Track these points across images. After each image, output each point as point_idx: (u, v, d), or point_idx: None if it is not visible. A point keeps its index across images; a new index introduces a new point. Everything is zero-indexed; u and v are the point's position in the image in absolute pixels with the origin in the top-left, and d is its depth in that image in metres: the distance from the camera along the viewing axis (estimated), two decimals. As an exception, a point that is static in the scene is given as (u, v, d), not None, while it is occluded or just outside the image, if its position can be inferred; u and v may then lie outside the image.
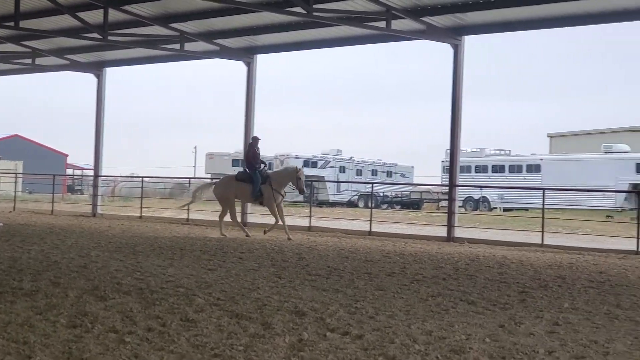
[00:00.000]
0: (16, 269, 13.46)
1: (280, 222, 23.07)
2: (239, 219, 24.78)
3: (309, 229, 26.43)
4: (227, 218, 23.82)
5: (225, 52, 28.64)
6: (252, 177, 23.09)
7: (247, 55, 28.64)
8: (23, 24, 25.90)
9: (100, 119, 33.09)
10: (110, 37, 26.49)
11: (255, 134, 24.46)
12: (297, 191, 23.12)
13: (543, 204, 24.47)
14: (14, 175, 44.66)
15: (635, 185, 48.85)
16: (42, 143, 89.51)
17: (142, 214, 31.75)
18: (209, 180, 28.93)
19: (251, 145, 23.78)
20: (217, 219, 24.27)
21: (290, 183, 23.27)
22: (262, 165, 23.66)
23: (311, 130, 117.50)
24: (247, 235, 22.73)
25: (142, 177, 38.32)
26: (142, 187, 34.73)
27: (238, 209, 25.62)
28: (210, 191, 24.33)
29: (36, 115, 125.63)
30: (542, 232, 22.87)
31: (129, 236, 21.62)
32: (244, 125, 29.10)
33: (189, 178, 42.49)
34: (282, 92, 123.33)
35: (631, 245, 21.58)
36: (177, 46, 27.88)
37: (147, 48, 29.24)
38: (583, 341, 8.69)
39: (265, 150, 59.42)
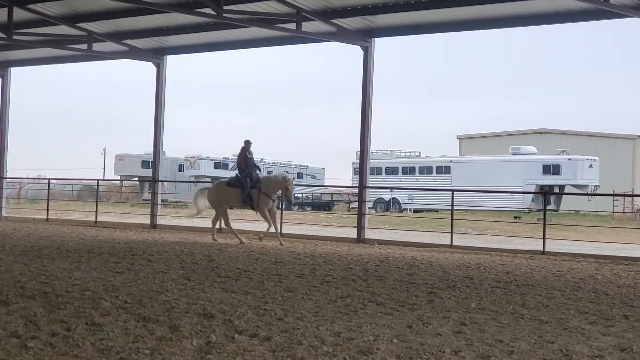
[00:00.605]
0: None
1: (272, 228, 22.61)
2: (231, 225, 23.54)
3: (220, 230, 26.22)
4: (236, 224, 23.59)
5: (134, 53, 28.32)
6: (242, 182, 22.70)
7: (156, 56, 28.36)
8: None
9: (5, 120, 32.39)
10: (15, 37, 25.94)
11: (247, 138, 23.39)
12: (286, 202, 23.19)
13: (452, 205, 24.77)
14: None
15: (542, 187, 49.93)
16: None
17: (49, 217, 31.18)
18: (202, 186, 28.29)
19: (243, 149, 23.15)
20: (125, 220, 23.93)
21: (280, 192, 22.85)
22: (256, 170, 23.16)
23: (223, 132, 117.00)
24: (241, 242, 21.79)
25: (50, 178, 37.66)
26: (49, 189, 34.11)
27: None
28: (206, 197, 23.83)
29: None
30: (451, 233, 23.14)
31: (35, 239, 21.19)
32: (153, 127, 28.82)
33: (98, 180, 41.88)
34: (194, 93, 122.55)
35: (537, 245, 22.00)
36: (85, 46, 27.43)
37: (53, 48, 28.72)
38: (489, 340, 8.80)
39: (176, 152, 59.06)
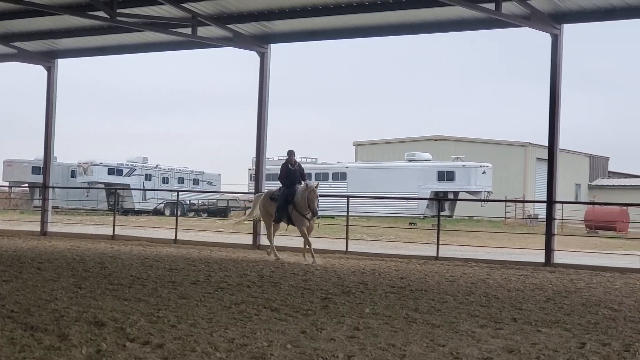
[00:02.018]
0: None
1: (307, 245, 20.32)
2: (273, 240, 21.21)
3: (113, 237, 25.88)
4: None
5: (24, 56, 27.73)
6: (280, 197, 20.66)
7: (47, 59, 27.79)
8: None
9: None
10: None
11: (291, 149, 20.90)
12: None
13: (348, 212, 24.92)
14: None
15: (436, 193, 50.65)
16: None
17: None
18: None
19: (286, 161, 21.08)
20: (14, 227, 23.31)
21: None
22: (300, 184, 20.69)
23: (117, 138, 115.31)
24: (277, 258, 20.05)
25: None
26: None
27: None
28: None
29: None
30: (347, 239, 23.29)
31: None
32: (44, 132, 28.23)
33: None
34: (87, 98, 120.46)
35: (431, 251, 22.30)
36: (-29, 47, 26.76)
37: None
38: (382, 345, 8.86)
39: (69, 158, 58.04)
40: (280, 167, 21.17)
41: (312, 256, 19.76)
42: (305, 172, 21.30)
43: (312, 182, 20.59)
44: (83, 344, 8.35)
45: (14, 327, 9.18)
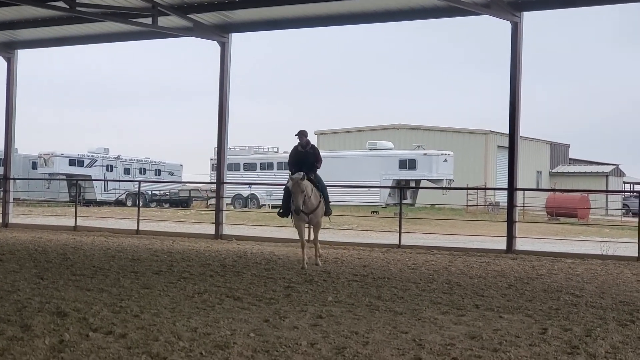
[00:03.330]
0: None
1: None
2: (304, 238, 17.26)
3: (75, 228, 25.74)
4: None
5: (-17, 47, 27.44)
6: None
7: (6, 50, 27.51)
8: None
9: None
10: None
11: (302, 129, 17.46)
12: None
13: (310, 200, 24.88)
14: None
15: (398, 181, 50.83)
16: None
17: None
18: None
19: (295, 146, 17.54)
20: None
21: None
22: (313, 172, 17.13)
23: (78, 128, 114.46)
24: (303, 265, 16.20)
25: None
26: None
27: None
28: None
29: None
30: (309, 228, 23.28)
31: None
32: (4, 123, 28.00)
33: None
34: (48, 89, 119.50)
35: (394, 239, 22.40)
36: None
37: None
38: (345, 332, 8.94)
39: (30, 149, 57.49)
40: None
41: (316, 256, 16.97)
42: (319, 153, 17.39)
43: (297, 174, 16.28)
44: (46, 335, 8.35)
45: (-25, 319, 9.16)
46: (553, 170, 72.13)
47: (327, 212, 17.61)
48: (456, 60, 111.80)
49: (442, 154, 52.45)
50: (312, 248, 17.33)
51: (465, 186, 48.07)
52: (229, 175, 25.72)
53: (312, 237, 17.72)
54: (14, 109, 27.92)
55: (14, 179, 31.05)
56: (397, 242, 21.69)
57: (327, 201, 17.45)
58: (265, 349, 8.02)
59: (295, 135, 17.36)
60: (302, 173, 16.28)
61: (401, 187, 43.01)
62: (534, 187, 63.20)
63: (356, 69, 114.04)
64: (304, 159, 17.13)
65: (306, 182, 16.47)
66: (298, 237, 17.29)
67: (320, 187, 17.22)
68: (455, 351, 8.14)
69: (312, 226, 17.53)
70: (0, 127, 28.23)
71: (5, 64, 27.75)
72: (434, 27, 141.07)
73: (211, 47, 24.42)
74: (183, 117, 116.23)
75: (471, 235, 26.29)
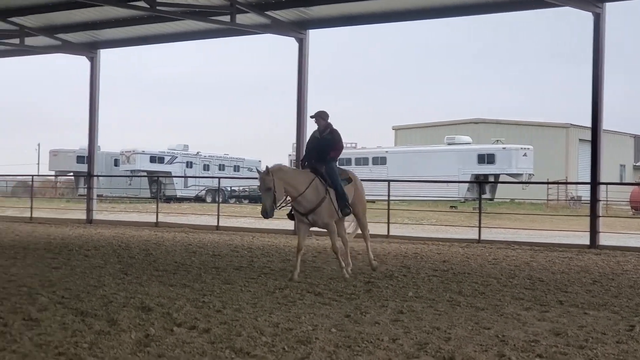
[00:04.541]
0: None
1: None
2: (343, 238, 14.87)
3: (156, 224, 26.12)
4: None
5: (67, 47, 27.99)
6: None
7: (90, 50, 28.04)
8: None
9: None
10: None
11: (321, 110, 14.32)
12: None
13: (389, 196, 24.93)
14: None
15: (477, 176, 50.45)
16: None
17: (-17, 214, 30.72)
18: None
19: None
20: (60, 216, 23.53)
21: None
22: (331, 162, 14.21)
23: (158, 126, 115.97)
24: (342, 265, 13.85)
25: (-18, 175, 37.01)
26: (-19, 186, 33.63)
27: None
28: None
29: None
30: (388, 223, 23.31)
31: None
32: (88, 121, 28.52)
33: (32, 176, 41.35)
34: (129, 87, 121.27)
35: (473, 234, 22.25)
36: (17, 41, 27.07)
37: (-15, 42, 28.28)
38: (426, 328, 8.90)
39: (112, 146, 58.51)
40: None
41: (370, 259, 14.83)
42: (340, 140, 14.23)
43: (273, 166, 13.57)
44: (132, 329, 8.50)
45: (65, 313, 9.37)
46: (637, 164, 70.74)
47: (344, 212, 14.20)
48: (534, 53, 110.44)
49: (521, 148, 51.89)
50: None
51: (546, 180, 47.46)
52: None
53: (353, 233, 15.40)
54: (97, 107, 28.43)
55: (97, 176, 31.64)
56: (477, 237, 21.53)
57: (341, 199, 13.98)
58: (347, 344, 8.04)
59: (312, 117, 14.39)
60: (267, 166, 13.45)
61: (480, 182, 42.69)
62: (618, 181, 62.07)
63: (433, 63, 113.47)
64: (318, 147, 14.14)
65: (292, 175, 13.86)
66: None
67: (332, 182, 13.91)
68: (540, 348, 8.04)
69: (302, 231, 14.04)
70: (84, 125, 28.74)
71: (88, 63, 28.27)
72: (512, 20, 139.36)
73: (289, 44, 24.44)
74: (262, 113, 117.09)
75: (552, 230, 25.93)
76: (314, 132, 14.41)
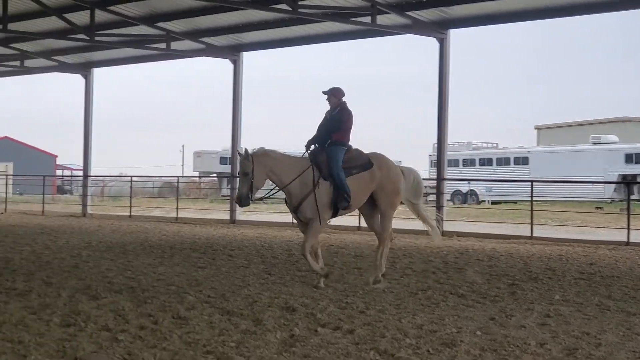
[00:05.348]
0: (9, 270, 13.47)
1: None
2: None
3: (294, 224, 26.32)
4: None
5: (212, 51, 28.60)
6: None
7: (233, 53, 28.60)
8: (11, 26, 25.85)
9: (89, 120, 33.02)
10: (97, 38, 26.46)
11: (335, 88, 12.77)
12: None
13: (532, 196, 24.52)
14: (4, 176, 44.39)
15: (624, 176, 48.99)
16: (31, 144, 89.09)
17: (132, 213, 31.69)
18: None
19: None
20: (204, 216, 23.93)
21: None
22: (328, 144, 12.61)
23: (298, 127, 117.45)
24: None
25: (131, 176, 38.21)
26: (131, 187, 34.68)
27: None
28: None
29: (25, 117, 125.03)
30: (532, 224, 22.92)
31: (119, 235, 21.59)
32: (231, 123, 29.06)
33: (177, 177, 42.43)
34: (269, 89, 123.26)
35: (621, 236, 21.62)
36: (163, 45, 27.86)
37: (133, 48, 29.20)
38: (575, 333, 8.72)
39: (254, 147, 59.49)
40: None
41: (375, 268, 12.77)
42: (348, 119, 12.58)
43: (258, 149, 12.37)
44: (277, 329, 8.62)
45: (211, 312, 9.58)
46: None
47: (343, 206, 12.47)
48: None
49: (673, 147, 50.08)
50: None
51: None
52: (448, 171, 25.62)
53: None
54: (239, 108, 28.95)
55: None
56: (626, 240, 20.89)
57: (340, 191, 12.28)
58: (493, 347, 7.95)
59: (324, 93, 12.82)
60: (246, 149, 12.24)
61: (628, 182, 41.48)
62: None
63: (577, 61, 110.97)
64: (324, 129, 12.62)
65: (277, 159, 12.38)
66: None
67: (329, 171, 12.30)
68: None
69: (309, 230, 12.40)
70: (227, 127, 29.28)
71: (231, 66, 28.82)
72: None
73: (429, 42, 24.34)
74: (401, 113, 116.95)
75: None
76: (326, 112, 12.88)
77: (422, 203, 13.53)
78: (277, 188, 12.73)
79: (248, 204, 12.19)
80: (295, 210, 12.45)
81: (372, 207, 13.00)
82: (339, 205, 12.36)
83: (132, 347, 7.75)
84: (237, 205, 14.08)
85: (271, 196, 13.24)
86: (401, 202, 13.38)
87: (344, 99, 12.79)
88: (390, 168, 12.89)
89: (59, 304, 9.98)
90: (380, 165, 12.73)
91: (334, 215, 12.69)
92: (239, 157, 12.14)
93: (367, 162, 12.61)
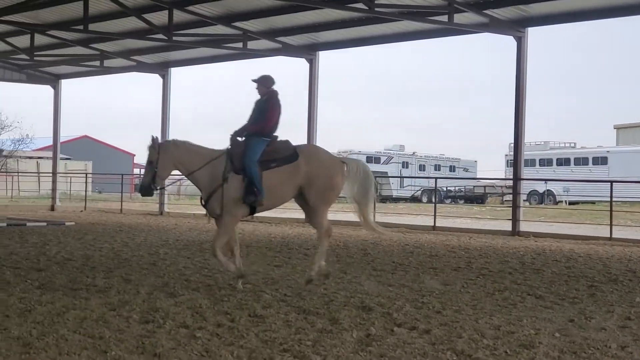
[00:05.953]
0: (89, 267, 13.73)
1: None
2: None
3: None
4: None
5: (288, 50, 28.71)
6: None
7: (309, 52, 28.67)
8: (92, 27, 26.26)
9: (166, 119, 33.39)
10: (175, 38, 26.76)
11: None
12: None
13: (611, 197, 24.14)
14: (84, 175, 45.17)
15: None
16: (110, 143, 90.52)
17: (208, 212, 31.90)
18: None
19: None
20: (279, 215, 23.88)
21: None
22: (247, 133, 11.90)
23: (374, 126, 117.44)
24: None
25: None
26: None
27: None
28: None
29: (104, 116, 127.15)
30: (611, 225, 22.55)
31: (196, 234, 21.85)
32: (307, 122, 29.14)
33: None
34: (345, 88, 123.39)
35: None
36: (240, 45, 28.07)
37: (210, 47, 29.46)
38: (657, 336, 8.56)
39: (330, 147, 59.54)
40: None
41: (313, 263, 12.14)
42: (273, 109, 11.87)
43: (169, 140, 12.59)
44: (353, 328, 8.63)
45: (288, 310, 9.63)
46: None
47: (250, 201, 11.59)
48: None
49: None
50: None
51: None
52: (524, 171, 25.34)
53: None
54: (315, 108, 28.98)
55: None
56: None
57: (252, 186, 11.51)
58: (572, 350, 7.84)
59: (253, 81, 12.10)
60: (152, 137, 11.79)
61: None
62: None
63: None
64: (250, 117, 12.00)
65: (182, 149, 11.75)
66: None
67: (242, 164, 11.56)
68: None
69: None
70: (302, 126, 29.37)
71: (307, 65, 28.87)
72: None
73: (506, 41, 24.10)
74: (478, 113, 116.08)
75: None
76: (254, 102, 12.11)
77: (370, 203, 12.45)
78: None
79: (151, 194, 11.82)
80: (204, 205, 11.82)
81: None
82: (246, 200, 11.50)
83: (210, 345, 7.83)
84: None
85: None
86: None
87: (274, 87, 12.03)
88: (321, 161, 11.90)
89: (138, 300, 10.14)
90: (308, 159, 11.74)
91: (251, 212, 11.89)
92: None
93: (291, 155, 11.69)
